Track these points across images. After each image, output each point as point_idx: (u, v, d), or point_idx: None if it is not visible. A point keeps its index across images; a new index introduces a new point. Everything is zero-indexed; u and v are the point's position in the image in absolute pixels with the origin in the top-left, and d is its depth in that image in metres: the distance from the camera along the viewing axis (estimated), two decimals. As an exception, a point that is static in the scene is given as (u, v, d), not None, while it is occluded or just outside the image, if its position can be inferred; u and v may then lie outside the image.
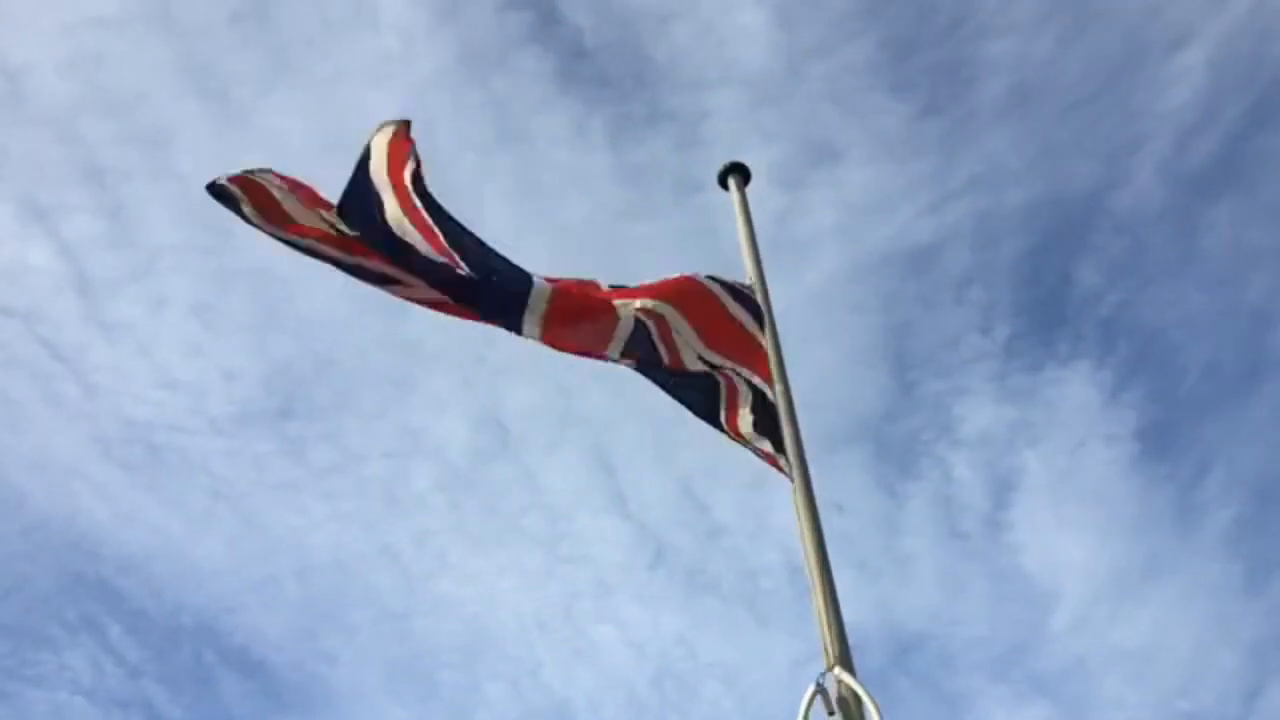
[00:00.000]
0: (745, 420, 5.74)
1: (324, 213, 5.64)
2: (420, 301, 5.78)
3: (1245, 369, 22.01)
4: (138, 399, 21.45)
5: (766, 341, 5.82)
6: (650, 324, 5.89)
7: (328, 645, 22.20)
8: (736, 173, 6.64)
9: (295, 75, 20.90)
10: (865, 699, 3.97)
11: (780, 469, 5.31)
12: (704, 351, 5.94)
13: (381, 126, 5.92)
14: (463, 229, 5.81)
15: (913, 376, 22.88)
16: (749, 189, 6.63)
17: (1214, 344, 21.95)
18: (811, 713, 3.94)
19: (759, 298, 5.93)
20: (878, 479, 22.21)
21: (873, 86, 21.87)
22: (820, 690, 3.99)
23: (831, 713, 3.93)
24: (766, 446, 5.53)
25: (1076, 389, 22.06)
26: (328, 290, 22.01)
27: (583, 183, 22.24)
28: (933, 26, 21.11)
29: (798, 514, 4.98)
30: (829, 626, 4.40)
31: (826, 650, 4.29)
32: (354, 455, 22.53)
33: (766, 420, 5.60)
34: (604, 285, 6.03)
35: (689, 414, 5.98)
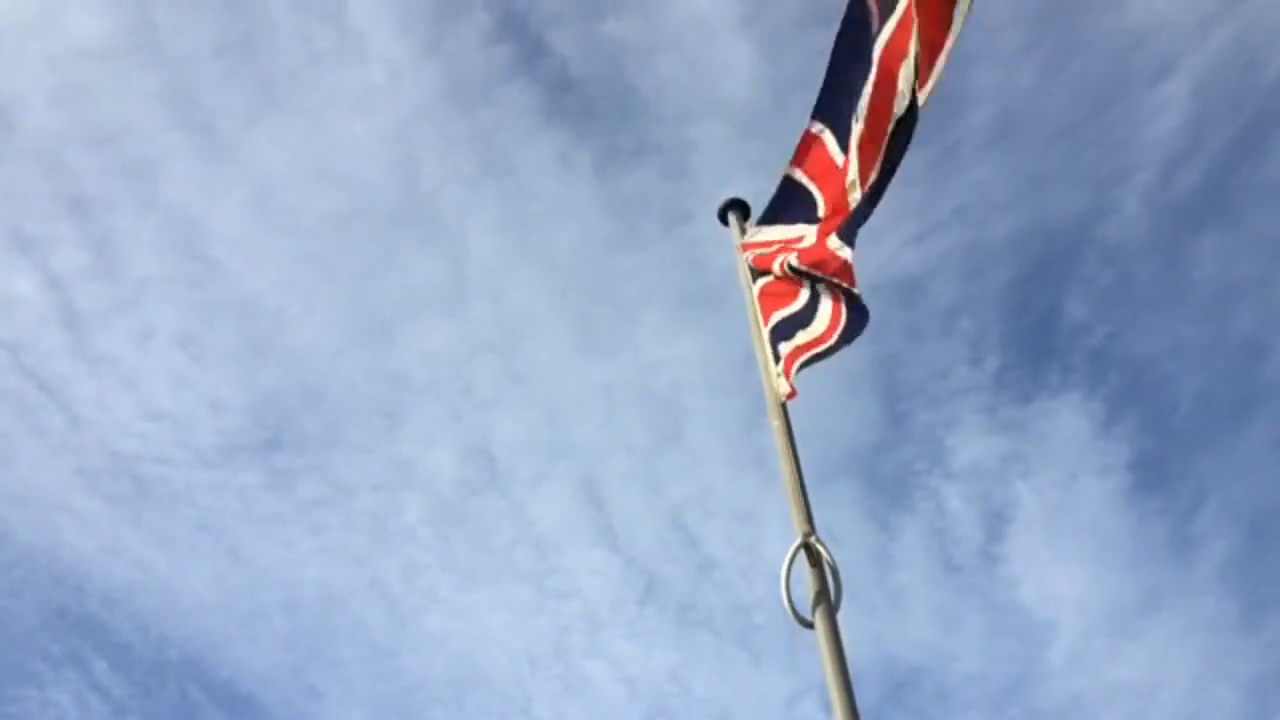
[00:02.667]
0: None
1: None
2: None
3: (1236, 401, 21.96)
4: (124, 431, 21.36)
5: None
6: None
7: (315, 681, 21.92)
8: (736, 209, 6.63)
9: (281, 107, 21.08)
10: (829, 558, 4.39)
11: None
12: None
13: None
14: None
15: (903, 408, 22.83)
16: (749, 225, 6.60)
17: (1204, 376, 21.93)
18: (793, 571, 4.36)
19: (756, 336, 5.85)
20: (870, 512, 22.08)
21: (857, 118, 22.06)
22: (804, 547, 4.41)
23: (814, 564, 4.36)
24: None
25: (1068, 420, 22.00)
26: (315, 321, 22.09)
27: (569, 213, 22.35)
28: (914, 57, 21.34)
29: (770, 419, 5.26)
30: (798, 505, 4.69)
31: (797, 522, 4.60)
32: (342, 488, 22.41)
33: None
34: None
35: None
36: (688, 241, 21.40)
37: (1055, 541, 22.00)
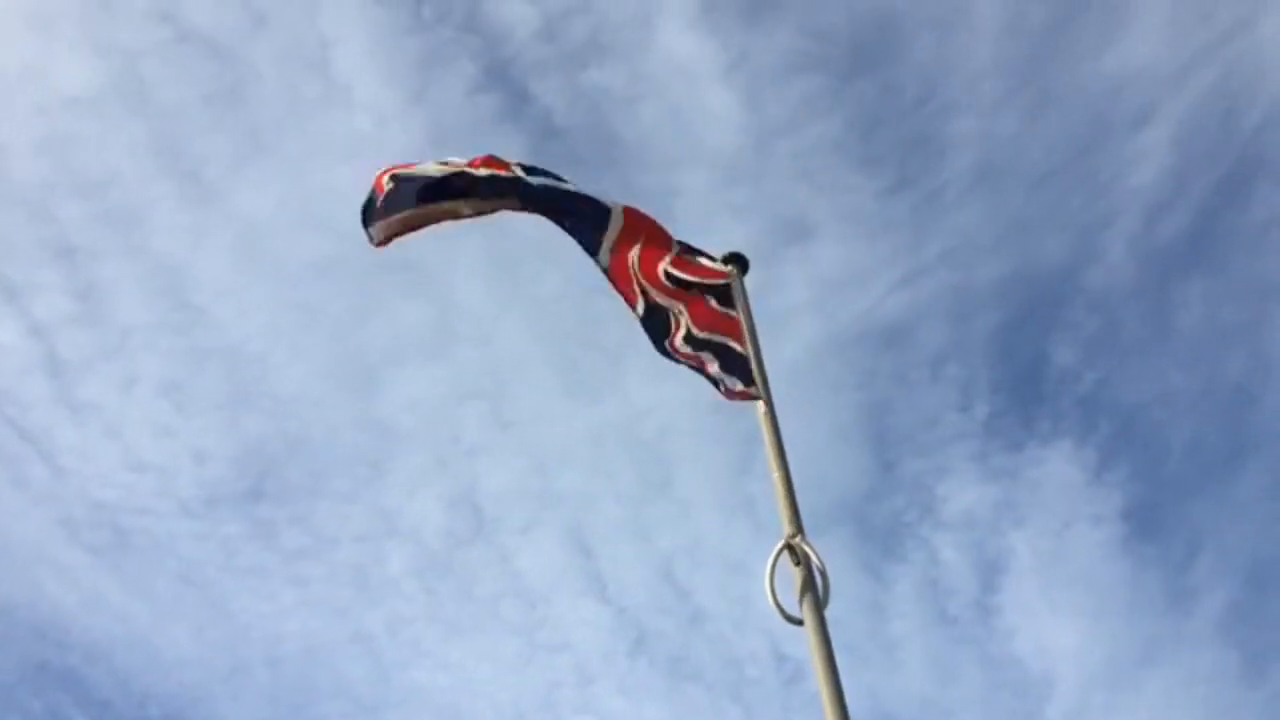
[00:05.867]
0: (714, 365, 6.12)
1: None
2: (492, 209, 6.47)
3: (1229, 448, 21.89)
4: (106, 481, 21.18)
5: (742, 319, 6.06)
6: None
7: (298, 738, 21.54)
8: (735, 262, 6.43)
9: (267, 155, 21.15)
10: (816, 558, 4.46)
11: (751, 396, 5.64)
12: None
13: None
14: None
15: (892, 455, 22.74)
16: (746, 279, 6.44)
17: (1196, 422, 21.88)
18: (776, 570, 4.45)
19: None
20: (862, 561, 21.84)
21: (841, 163, 22.24)
22: (788, 548, 4.49)
23: (798, 563, 4.44)
24: (738, 385, 5.88)
25: (1059, 468, 21.89)
26: (300, 368, 21.98)
27: (555, 258, 22.32)
28: (898, 104, 21.56)
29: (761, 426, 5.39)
30: (786, 507, 4.75)
31: (785, 524, 4.67)
32: (326, 538, 22.17)
33: (735, 363, 5.99)
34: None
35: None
36: (674, 287, 21.35)
37: (1050, 592, 21.82)
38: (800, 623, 4.22)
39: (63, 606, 21.05)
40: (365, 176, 6.62)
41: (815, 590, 4.29)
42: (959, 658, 21.64)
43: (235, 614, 21.65)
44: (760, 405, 5.48)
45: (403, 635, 22.34)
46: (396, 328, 22.28)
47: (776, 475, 4.87)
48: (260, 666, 21.74)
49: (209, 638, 21.57)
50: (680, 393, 21.10)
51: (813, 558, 4.39)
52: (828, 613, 4.24)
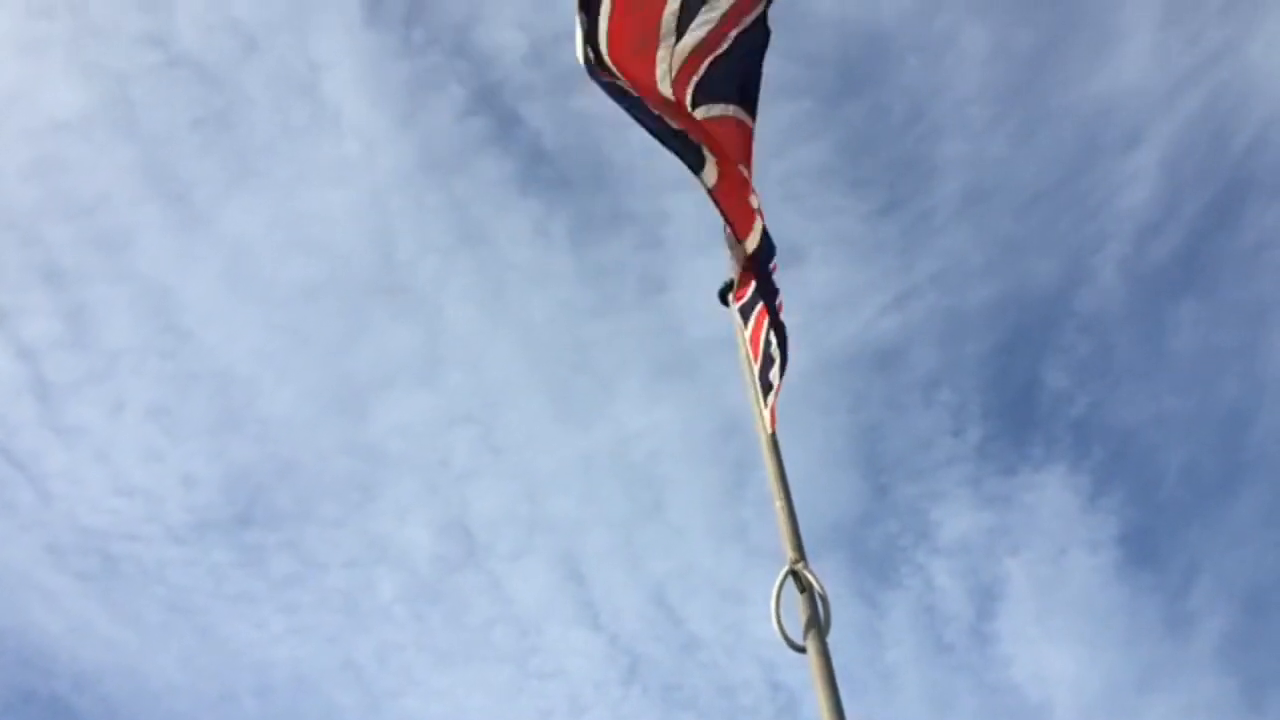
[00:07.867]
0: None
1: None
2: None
3: (1224, 471, 21.89)
4: (94, 506, 21.04)
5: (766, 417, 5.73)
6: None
7: (287, 767, 21.33)
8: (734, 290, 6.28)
9: (257, 179, 21.14)
10: (818, 585, 4.35)
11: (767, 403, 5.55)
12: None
13: None
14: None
15: (885, 479, 22.72)
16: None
17: (1190, 446, 21.88)
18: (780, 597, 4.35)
19: (747, 371, 5.83)
20: (857, 588, 21.77)
21: (830, 186, 22.29)
22: (792, 574, 4.40)
23: (802, 590, 4.36)
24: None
25: (1054, 493, 21.86)
26: (289, 392, 21.87)
27: (545, 282, 22.38)
28: (887, 127, 21.65)
29: (763, 452, 5.26)
30: (789, 533, 4.65)
31: (787, 550, 4.57)
32: (315, 564, 22.03)
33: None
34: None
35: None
36: (663, 310, 21.44)
37: (1047, 619, 21.73)
38: (803, 650, 4.15)
39: (50, 633, 20.91)
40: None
41: (817, 617, 4.22)
42: (956, 685, 21.55)
43: (224, 641, 21.52)
44: (761, 426, 5.39)
45: (393, 663, 22.20)
46: (386, 351, 22.26)
47: (778, 502, 4.80)
48: (249, 694, 21.59)
49: (197, 665, 21.42)
50: (670, 417, 21.10)
51: (815, 584, 4.32)
52: (829, 639, 4.17)
